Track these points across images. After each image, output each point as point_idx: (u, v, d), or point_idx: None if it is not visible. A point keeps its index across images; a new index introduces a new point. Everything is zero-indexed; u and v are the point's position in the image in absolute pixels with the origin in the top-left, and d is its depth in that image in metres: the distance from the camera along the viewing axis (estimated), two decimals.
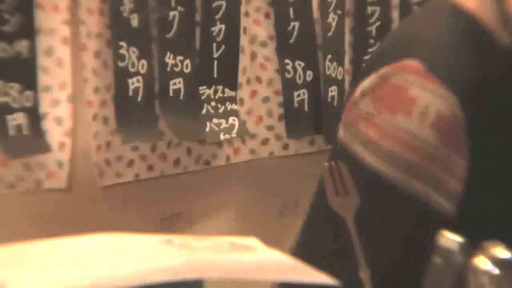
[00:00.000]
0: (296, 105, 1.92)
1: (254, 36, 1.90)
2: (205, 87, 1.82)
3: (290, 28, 1.90)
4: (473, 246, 0.72)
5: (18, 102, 1.60)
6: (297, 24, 1.90)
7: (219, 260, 0.61)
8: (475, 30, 1.00)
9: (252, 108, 1.91)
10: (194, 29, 1.79)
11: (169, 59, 1.74)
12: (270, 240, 0.73)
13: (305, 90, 1.92)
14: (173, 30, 1.74)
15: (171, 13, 1.73)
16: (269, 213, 1.97)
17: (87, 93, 1.69)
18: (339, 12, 1.95)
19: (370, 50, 2.00)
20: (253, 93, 1.91)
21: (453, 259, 0.73)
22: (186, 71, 1.77)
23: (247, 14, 1.88)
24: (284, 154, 1.97)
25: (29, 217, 1.67)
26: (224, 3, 1.81)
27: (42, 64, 1.64)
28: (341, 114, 1.03)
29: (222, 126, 1.82)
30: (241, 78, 1.88)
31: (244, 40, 1.87)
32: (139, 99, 1.70)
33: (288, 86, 1.91)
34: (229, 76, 1.85)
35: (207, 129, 1.80)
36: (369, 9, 2.01)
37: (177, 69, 1.75)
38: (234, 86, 1.86)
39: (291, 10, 1.89)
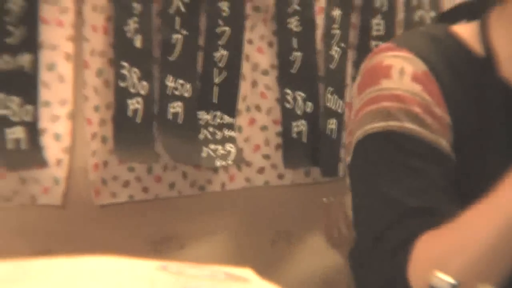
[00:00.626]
0: (294, 135, 1.92)
1: (256, 64, 1.90)
2: (204, 112, 1.82)
3: (292, 58, 1.90)
4: None
5: (17, 116, 1.59)
6: (299, 54, 1.91)
7: None
8: (451, 41, 1.08)
9: (250, 136, 1.91)
10: (196, 53, 1.79)
11: (170, 82, 1.74)
12: (262, 268, 0.73)
13: (304, 121, 1.92)
14: (176, 53, 1.74)
15: (175, 36, 1.74)
16: (261, 241, 1.97)
17: (87, 111, 1.68)
18: (342, 45, 1.96)
19: None
20: (252, 121, 1.92)
21: None
22: (186, 94, 1.77)
23: (250, 42, 1.88)
24: (279, 184, 1.97)
25: (22, 232, 1.66)
26: (228, 29, 1.81)
27: (44, 79, 1.63)
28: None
29: (218, 152, 1.82)
30: (241, 105, 1.88)
31: (246, 67, 1.88)
32: (137, 120, 1.70)
33: (288, 116, 1.91)
34: (228, 102, 1.85)
35: (204, 154, 1.79)
36: (373, 43, 2.02)
37: (177, 92, 1.75)
38: (233, 112, 1.86)
39: (294, 40, 1.90)
